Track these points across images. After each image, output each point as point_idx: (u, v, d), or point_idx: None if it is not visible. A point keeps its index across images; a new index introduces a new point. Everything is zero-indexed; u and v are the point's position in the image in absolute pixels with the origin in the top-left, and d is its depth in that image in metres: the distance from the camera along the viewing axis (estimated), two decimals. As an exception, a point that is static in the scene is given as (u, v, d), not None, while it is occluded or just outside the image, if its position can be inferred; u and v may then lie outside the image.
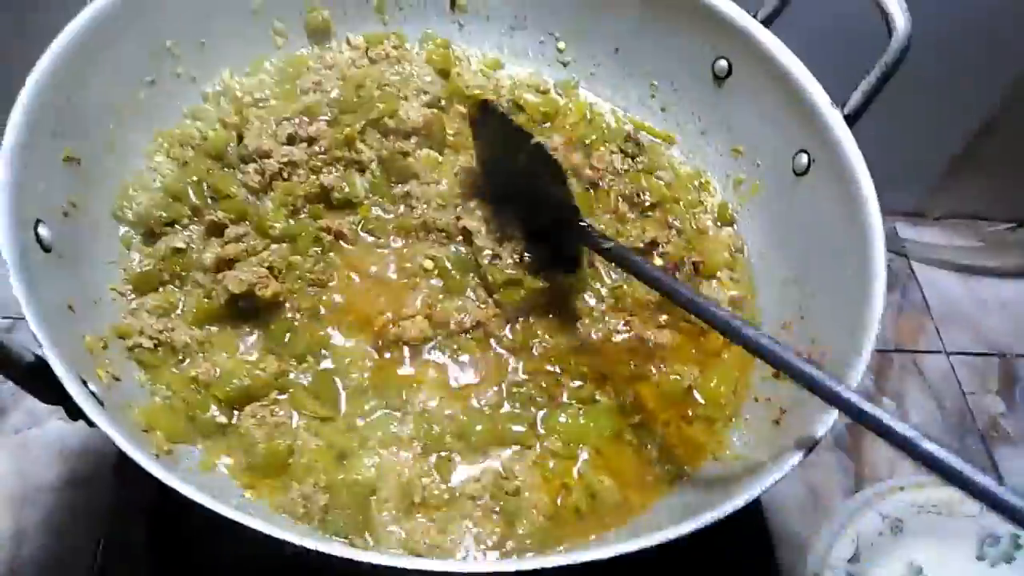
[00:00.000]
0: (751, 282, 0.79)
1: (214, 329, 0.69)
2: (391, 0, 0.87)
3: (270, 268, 0.70)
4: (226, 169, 0.76)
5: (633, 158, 0.85)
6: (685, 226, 0.81)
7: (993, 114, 1.17)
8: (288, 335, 0.69)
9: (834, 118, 0.71)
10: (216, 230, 0.72)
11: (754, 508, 0.89)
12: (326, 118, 0.79)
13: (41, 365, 0.48)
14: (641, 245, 0.78)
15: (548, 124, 0.87)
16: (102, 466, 0.93)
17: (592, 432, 0.68)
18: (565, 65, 0.90)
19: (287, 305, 0.70)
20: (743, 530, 0.87)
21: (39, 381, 0.49)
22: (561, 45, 0.90)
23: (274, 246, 0.72)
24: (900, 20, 0.65)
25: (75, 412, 0.50)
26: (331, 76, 0.81)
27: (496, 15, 0.89)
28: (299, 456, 0.64)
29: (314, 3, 0.84)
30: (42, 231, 0.59)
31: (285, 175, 0.76)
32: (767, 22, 0.76)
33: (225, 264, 0.70)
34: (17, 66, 0.62)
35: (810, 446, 0.55)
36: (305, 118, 0.78)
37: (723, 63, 0.80)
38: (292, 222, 0.74)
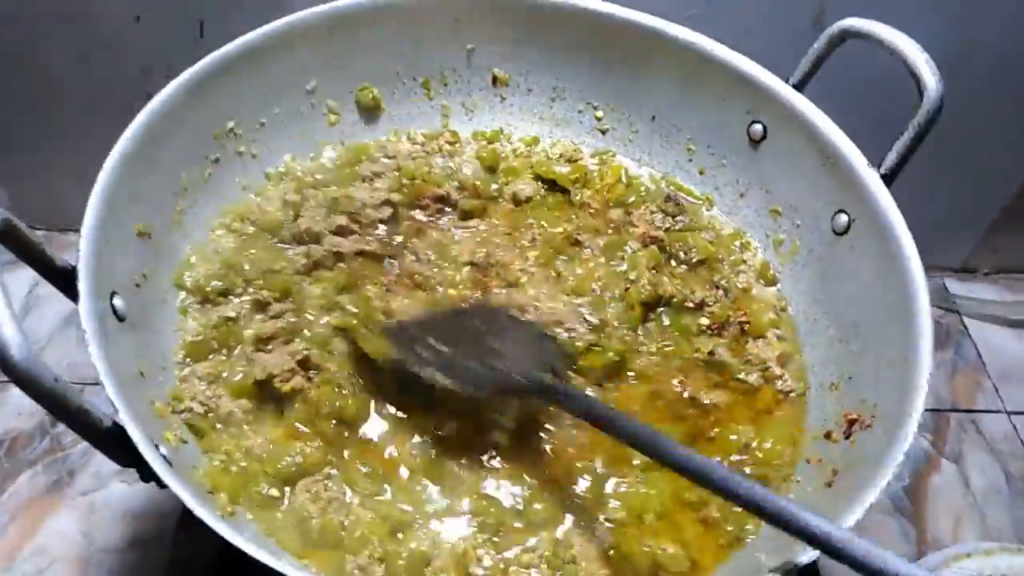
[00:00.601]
0: (797, 340, 0.79)
1: (250, 404, 0.69)
2: (436, 79, 0.92)
3: (304, 361, 0.70)
4: (280, 245, 0.80)
5: (673, 217, 0.87)
6: (730, 285, 0.82)
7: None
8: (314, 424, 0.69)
9: (871, 178, 0.72)
10: (261, 306, 0.75)
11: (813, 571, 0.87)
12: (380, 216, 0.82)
13: (117, 430, 0.51)
14: (691, 305, 0.79)
15: (583, 187, 0.90)
16: (164, 527, 0.96)
17: (654, 499, 0.67)
18: (604, 132, 0.94)
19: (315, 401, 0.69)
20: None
21: (115, 445, 0.51)
22: (599, 114, 0.93)
23: (311, 333, 0.73)
24: (931, 82, 0.67)
25: (147, 474, 0.52)
26: (389, 166, 0.87)
27: (536, 88, 0.93)
28: (353, 529, 0.64)
29: (365, 83, 0.89)
30: (117, 302, 0.62)
31: (328, 264, 0.78)
32: (799, 86, 0.79)
33: (262, 341, 0.72)
34: (97, 149, 0.66)
35: (864, 508, 0.54)
36: (356, 214, 0.81)
37: (758, 127, 0.83)
38: (329, 318, 0.74)
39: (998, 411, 1.19)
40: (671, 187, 0.91)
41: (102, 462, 1.01)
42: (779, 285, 0.83)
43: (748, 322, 0.79)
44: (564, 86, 0.93)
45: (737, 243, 0.86)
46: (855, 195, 0.73)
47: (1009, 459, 1.13)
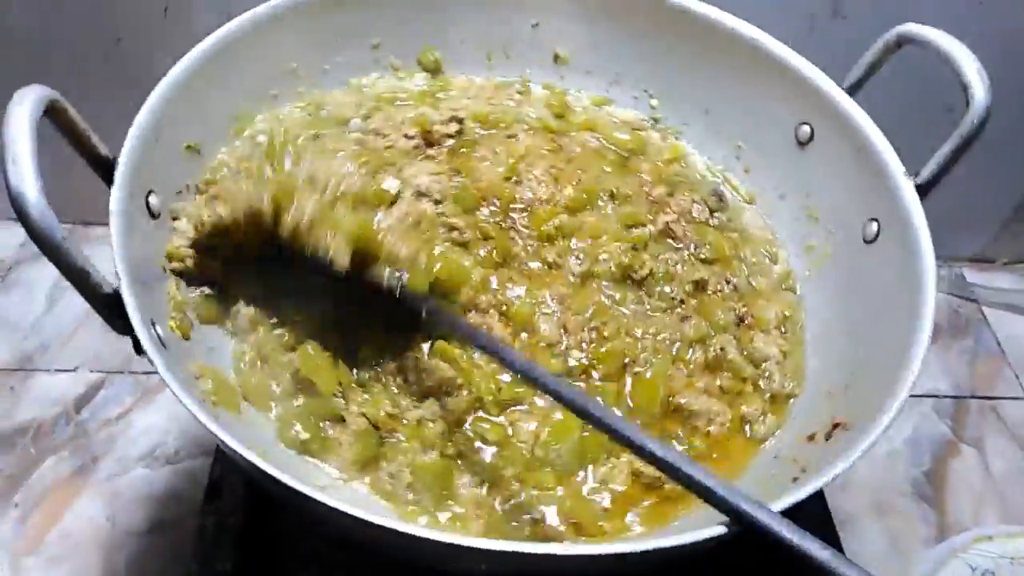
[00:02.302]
0: (800, 343, 0.77)
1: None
2: (499, 51, 0.94)
3: None
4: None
5: (712, 212, 0.86)
6: (741, 283, 0.81)
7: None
8: None
9: (907, 188, 0.69)
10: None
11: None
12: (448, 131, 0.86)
13: (117, 298, 0.54)
14: (689, 287, 0.79)
15: (641, 157, 0.90)
16: (185, 511, 0.98)
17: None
18: (657, 121, 0.94)
19: None
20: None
21: (112, 311, 0.54)
22: (654, 102, 0.93)
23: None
24: (980, 92, 0.64)
25: (140, 347, 0.56)
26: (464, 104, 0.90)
27: (596, 70, 0.94)
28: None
29: (428, 43, 0.92)
30: (152, 200, 0.66)
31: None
32: (852, 91, 0.77)
33: None
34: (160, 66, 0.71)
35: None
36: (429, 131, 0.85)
37: (806, 128, 0.81)
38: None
39: (1018, 397, 1.16)
40: (723, 180, 0.90)
41: (125, 448, 1.04)
42: (797, 293, 0.81)
43: (751, 315, 0.77)
44: (624, 71, 0.93)
45: (765, 250, 0.84)
46: (889, 204, 0.71)
47: (1029, 444, 1.09)
